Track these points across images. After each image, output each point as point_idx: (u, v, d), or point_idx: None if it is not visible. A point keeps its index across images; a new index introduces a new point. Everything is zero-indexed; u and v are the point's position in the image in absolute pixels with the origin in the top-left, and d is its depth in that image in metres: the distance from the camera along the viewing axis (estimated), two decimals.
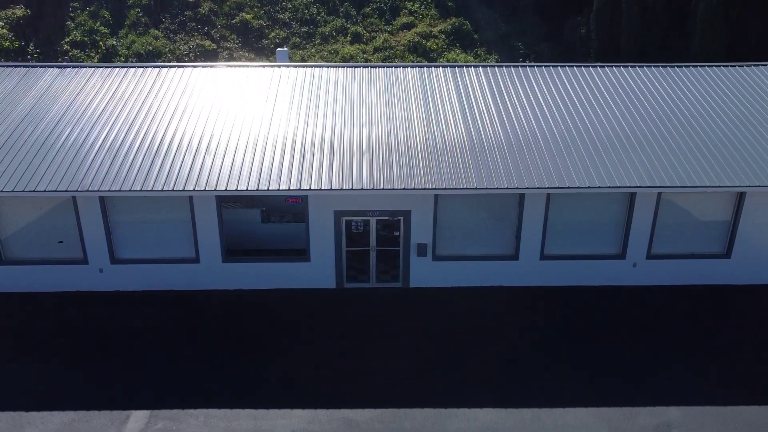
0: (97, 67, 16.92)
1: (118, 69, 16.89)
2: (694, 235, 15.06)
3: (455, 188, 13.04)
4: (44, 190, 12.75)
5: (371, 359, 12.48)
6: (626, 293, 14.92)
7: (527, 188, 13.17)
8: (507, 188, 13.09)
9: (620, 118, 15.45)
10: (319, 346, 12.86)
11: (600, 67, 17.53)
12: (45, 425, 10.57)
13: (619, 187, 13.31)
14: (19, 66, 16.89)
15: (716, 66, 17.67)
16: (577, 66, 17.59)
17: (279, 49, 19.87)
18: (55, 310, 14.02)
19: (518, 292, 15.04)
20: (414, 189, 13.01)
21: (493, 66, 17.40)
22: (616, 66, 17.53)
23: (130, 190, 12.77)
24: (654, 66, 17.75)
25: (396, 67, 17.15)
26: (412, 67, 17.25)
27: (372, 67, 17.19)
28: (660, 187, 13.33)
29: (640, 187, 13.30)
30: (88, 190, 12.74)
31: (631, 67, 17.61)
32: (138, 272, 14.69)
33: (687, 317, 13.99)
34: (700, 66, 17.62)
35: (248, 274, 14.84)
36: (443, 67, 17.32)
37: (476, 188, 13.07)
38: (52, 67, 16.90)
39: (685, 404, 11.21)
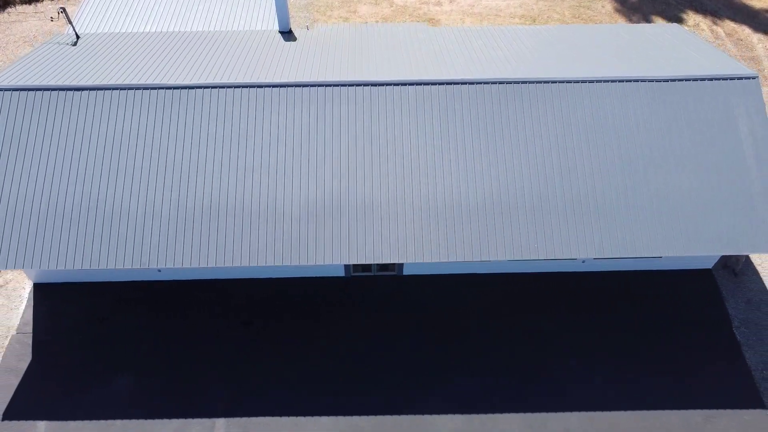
0: (115, 89, 17.28)
1: (135, 93, 17.35)
2: None
3: (428, 261, 16.19)
4: (105, 267, 16.05)
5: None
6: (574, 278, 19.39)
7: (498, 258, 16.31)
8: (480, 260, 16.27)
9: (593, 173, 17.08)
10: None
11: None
12: None
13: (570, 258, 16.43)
14: (41, 89, 17.23)
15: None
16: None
17: None
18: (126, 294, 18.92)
19: (486, 277, 19.47)
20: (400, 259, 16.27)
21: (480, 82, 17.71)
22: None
23: (182, 266, 16.08)
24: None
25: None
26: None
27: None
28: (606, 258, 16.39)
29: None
30: (148, 267, 16.07)
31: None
32: (187, 270, 18.87)
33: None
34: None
35: (272, 268, 19.02)
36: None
37: (448, 260, 16.23)
38: (68, 90, 17.30)
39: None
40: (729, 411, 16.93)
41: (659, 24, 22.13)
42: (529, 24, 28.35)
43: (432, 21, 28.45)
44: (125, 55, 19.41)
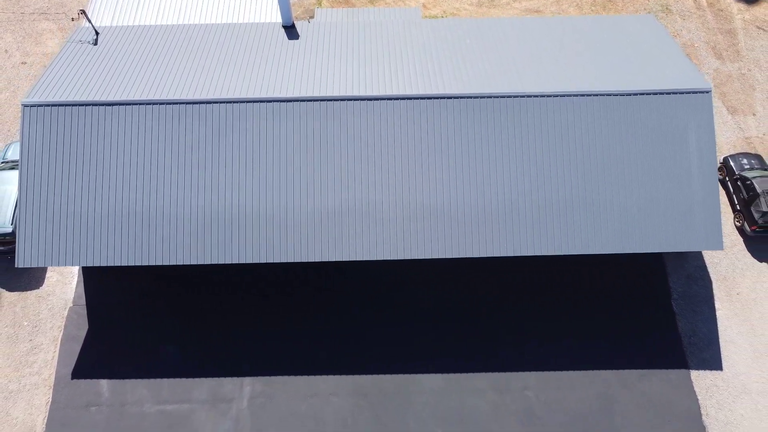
0: (149, 104, 19.61)
1: (164, 108, 19.72)
2: None
3: (414, 257, 19.51)
4: (141, 264, 19.42)
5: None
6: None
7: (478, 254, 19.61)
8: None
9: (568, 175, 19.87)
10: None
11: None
12: None
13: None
14: (81, 105, 19.57)
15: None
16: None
17: None
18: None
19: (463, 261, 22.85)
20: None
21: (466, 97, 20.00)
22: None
23: (210, 262, 19.43)
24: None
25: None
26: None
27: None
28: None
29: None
30: (182, 263, 19.42)
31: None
32: None
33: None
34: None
35: None
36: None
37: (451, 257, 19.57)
38: (104, 105, 19.66)
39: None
40: (659, 371, 20.95)
41: (634, 17, 23.80)
42: None
43: None
44: (147, 59, 21.51)
